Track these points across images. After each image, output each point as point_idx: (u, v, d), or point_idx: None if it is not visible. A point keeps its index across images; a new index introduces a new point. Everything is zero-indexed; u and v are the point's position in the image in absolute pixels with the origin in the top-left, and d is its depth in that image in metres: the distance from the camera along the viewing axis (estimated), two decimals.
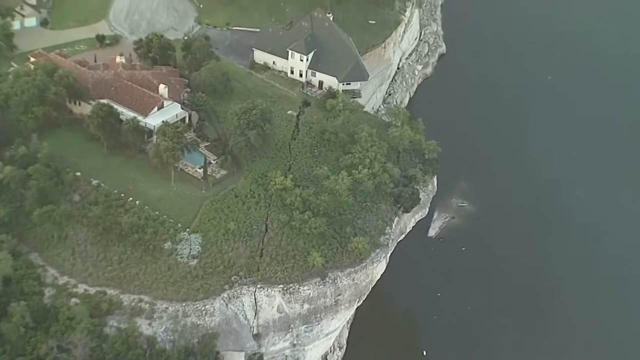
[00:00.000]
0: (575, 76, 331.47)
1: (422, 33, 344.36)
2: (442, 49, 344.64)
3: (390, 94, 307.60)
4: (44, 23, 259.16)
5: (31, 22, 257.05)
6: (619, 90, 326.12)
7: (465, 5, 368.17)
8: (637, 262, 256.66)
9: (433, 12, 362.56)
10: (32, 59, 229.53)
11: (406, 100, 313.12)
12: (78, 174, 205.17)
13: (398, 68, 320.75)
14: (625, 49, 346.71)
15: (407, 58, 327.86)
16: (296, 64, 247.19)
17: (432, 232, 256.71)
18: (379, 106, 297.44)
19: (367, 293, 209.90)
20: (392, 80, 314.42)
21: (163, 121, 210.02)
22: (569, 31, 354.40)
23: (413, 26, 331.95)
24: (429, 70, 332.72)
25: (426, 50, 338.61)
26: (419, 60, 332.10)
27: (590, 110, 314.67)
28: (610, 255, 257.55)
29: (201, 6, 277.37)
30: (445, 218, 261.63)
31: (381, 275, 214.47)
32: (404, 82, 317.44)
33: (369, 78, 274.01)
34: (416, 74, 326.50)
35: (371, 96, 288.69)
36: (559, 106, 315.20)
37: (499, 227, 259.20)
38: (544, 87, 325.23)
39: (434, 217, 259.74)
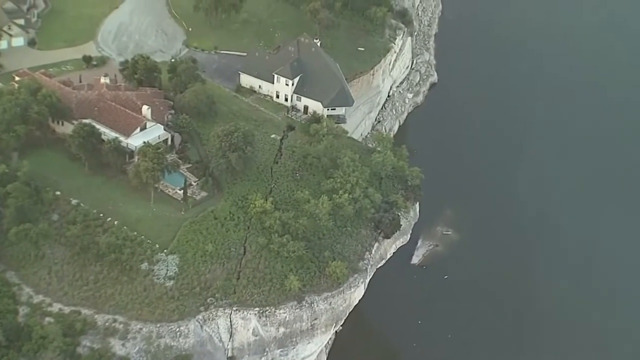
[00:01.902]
0: (567, 107, 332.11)
1: (414, 62, 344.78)
2: (434, 78, 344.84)
3: (379, 121, 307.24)
4: (31, 43, 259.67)
5: (19, 41, 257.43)
6: (612, 122, 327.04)
7: (459, 36, 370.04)
8: (622, 290, 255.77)
9: (426, 42, 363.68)
10: (16, 78, 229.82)
11: (395, 128, 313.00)
12: (58, 193, 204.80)
13: (389, 96, 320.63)
14: (623, 77, 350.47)
15: (398, 86, 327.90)
16: (282, 88, 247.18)
17: (415, 260, 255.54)
18: (368, 133, 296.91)
19: (345, 318, 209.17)
20: (382, 108, 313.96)
21: (144, 142, 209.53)
22: (561, 63, 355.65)
23: (405, 55, 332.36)
24: (420, 98, 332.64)
25: (417, 79, 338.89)
26: (410, 89, 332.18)
27: (580, 140, 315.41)
28: (596, 284, 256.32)
29: (190, 29, 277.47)
30: (429, 246, 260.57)
31: (362, 300, 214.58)
32: (394, 110, 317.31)
33: (357, 105, 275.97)
34: (406, 102, 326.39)
35: (360, 123, 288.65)
36: (547, 137, 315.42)
37: (482, 255, 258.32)
38: (533, 118, 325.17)
39: (418, 244, 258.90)
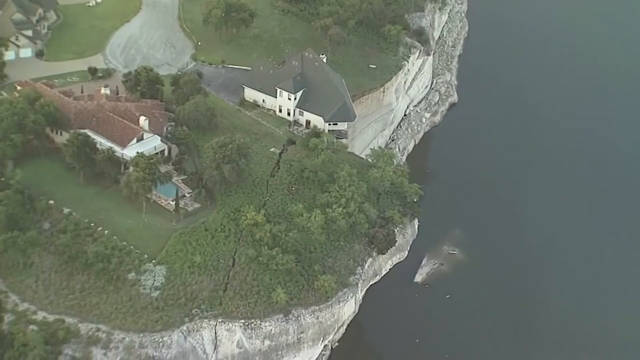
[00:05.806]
0: (588, 133, 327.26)
1: (435, 82, 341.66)
2: (454, 98, 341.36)
3: (393, 140, 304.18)
4: (39, 54, 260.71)
5: (26, 52, 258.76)
6: (627, 151, 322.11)
7: (483, 58, 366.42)
8: (630, 316, 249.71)
9: (449, 62, 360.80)
10: (18, 88, 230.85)
11: (410, 147, 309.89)
12: (51, 202, 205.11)
13: (405, 115, 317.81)
14: None
15: (415, 105, 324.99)
16: (284, 102, 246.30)
17: (418, 278, 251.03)
18: None
19: (336, 333, 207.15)
20: (397, 127, 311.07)
21: (138, 152, 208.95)
22: (587, 89, 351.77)
23: (424, 74, 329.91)
24: (438, 118, 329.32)
25: (437, 99, 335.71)
26: (428, 108, 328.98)
27: (598, 165, 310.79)
28: (602, 310, 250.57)
29: (199, 44, 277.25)
30: (434, 264, 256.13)
31: (360, 317, 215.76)
32: (409, 129, 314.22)
33: (369, 122, 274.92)
34: (423, 121, 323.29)
35: (372, 140, 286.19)
36: (564, 162, 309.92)
37: (487, 276, 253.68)
38: (551, 143, 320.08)
39: (423, 262, 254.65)
